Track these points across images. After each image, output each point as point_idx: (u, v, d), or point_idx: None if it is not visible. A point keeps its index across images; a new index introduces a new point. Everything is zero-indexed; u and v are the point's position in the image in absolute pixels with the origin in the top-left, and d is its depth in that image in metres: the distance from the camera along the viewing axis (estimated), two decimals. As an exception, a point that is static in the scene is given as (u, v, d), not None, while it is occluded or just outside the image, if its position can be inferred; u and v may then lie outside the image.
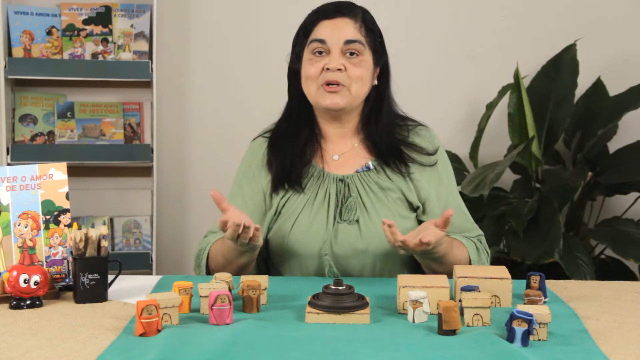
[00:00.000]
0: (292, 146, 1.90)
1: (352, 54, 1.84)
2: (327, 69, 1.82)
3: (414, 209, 1.88)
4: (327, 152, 1.93)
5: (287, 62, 1.94)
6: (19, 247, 1.69)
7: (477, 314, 1.44)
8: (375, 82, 1.91)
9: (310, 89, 1.86)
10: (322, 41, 1.84)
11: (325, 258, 1.83)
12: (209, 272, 1.87)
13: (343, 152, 1.92)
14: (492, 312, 1.47)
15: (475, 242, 1.87)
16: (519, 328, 1.33)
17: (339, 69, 1.82)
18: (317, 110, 1.92)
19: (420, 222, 1.88)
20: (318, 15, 1.88)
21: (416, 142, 1.91)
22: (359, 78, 1.84)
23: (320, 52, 1.84)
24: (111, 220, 3.19)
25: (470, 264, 1.82)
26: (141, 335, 1.37)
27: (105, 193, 3.25)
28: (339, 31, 1.84)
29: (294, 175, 1.87)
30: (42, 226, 1.71)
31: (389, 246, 1.80)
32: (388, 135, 1.91)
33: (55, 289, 1.66)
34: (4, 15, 3.03)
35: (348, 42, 1.83)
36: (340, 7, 1.88)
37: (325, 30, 1.85)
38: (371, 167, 1.89)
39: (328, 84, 1.83)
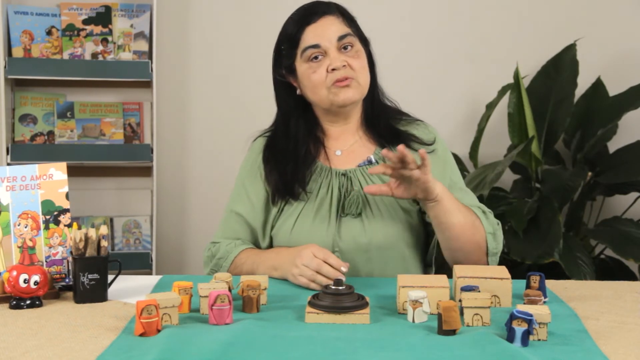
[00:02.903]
0: (293, 159, 1.89)
1: (345, 47, 1.84)
2: (333, 69, 1.82)
3: (416, 200, 1.88)
4: (330, 150, 1.93)
5: (273, 76, 1.93)
6: (19, 247, 1.69)
7: (477, 314, 1.44)
8: None
9: (321, 95, 1.85)
10: (316, 46, 1.83)
11: (336, 254, 1.83)
12: None
13: (346, 147, 1.93)
14: (492, 312, 1.47)
15: (481, 207, 1.86)
16: (519, 328, 1.33)
17: (344, 66, 1.82)
18: (323, 113, 1.92)
19: (423, 213, 1.88)
20: (300, 24, 1.86)
21: (414, 134, 1.92)
22: (362, 68, 1.85)
23: (316, 57, 1.84)
24: (111, 220, 3.19)
25: (480, 222, 1.80)
26: (141, 335, 1.37)
27: (105, 193, 3.25)
28: (327, 31, 1.84)
29: (298, 187, 1.86)
30: (42, 226, 1.71)
31: (391, 240, 1.82)
32: (385, 120, 1.92)
33: (55, 289, 1.66)
34: (4, 15, 3.03)
35: (340, 38, 1.84)
36: (316, 8, 1.87)
37: (314, 34, 1.84)
38: (373, 160, 1.90)
39: (338, 81, 1.82)
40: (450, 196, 1.77)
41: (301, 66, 1.86)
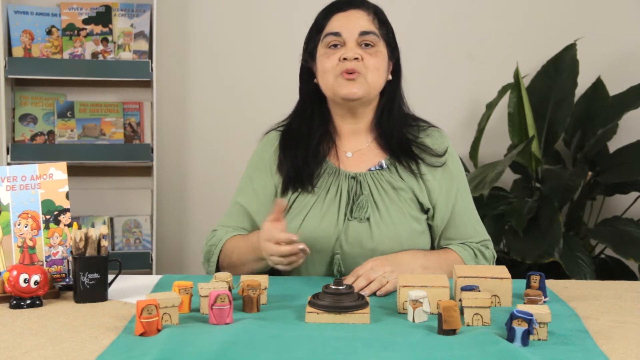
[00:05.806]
0: (305, 145, 1.89)
1: (367, 45, 1.84)
2: (344, 59, 1.81)
3: (424, 210, 1.88)
4: (341, 150, 1.92)
5: (300, 61, 1.93)
6: (19, 247, 1.69)
7: (477, 314, 1.44)
8: (390, 77, 1.91)
9: (328, 82, 1.84)
10: (336, 34, 1.83)
11: (336, 257, 1.82)
12: (219, 268, 1.88)
13: (357, 149, 1.92)
14: (492, 311, 1.47)
15: (473, 250, 1.87)
16: (519, 328, 1.33)
17: (356, 58, 1.81)
18: (333, 106, 1.92)
19: (429, 226, 1.89)
20: (330, 10, 1.88)
21: (425, 143, 1.91)
22: (375, 67, 1.84)
23: (335, 45, 1.84)
24: (111, 219, 3.19)
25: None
26: (141, 335, 1.37)
27: (105, 193, 3.25)
28: (353, 23, 1.84)
29: (306, 175, 1.86)
30: (42, 226, 1.71)
31: (398, 247, 1.81)
32: (399, 132, 1.90)
33: (55, 289, 1.66)
34: (4, 15, 3.03)
35: (363, 33, 1.83)
36: (351, 1, 1.88)
37: (339, 22, 1.85)
38: (384, 166, 1.88)
39: (346, 72, 1.82)
40: (427, 262, 1.80)
41: (319, 51, 1.87)
